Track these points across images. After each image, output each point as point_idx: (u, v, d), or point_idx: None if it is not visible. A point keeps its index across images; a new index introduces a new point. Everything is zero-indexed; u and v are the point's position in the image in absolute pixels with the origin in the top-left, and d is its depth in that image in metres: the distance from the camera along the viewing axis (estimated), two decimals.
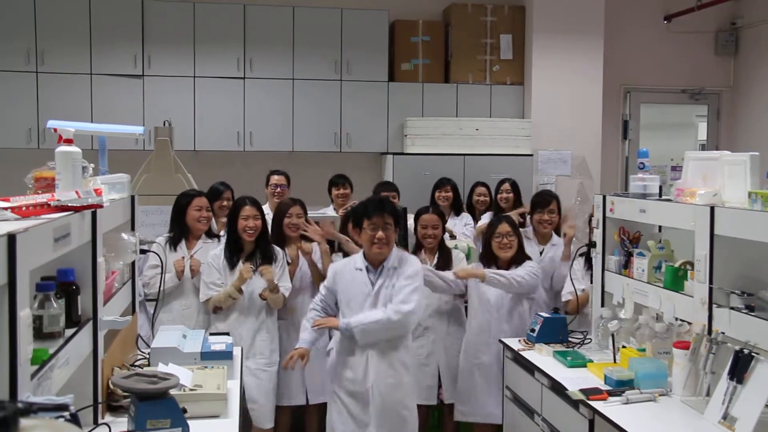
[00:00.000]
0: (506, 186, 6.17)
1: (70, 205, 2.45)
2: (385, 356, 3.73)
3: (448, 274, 4.37)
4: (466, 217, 6.24)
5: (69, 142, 2.76)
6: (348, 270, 3.87)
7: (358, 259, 3.89)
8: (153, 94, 7.04)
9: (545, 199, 4.98)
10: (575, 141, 7.59)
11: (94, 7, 6.91)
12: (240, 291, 4.27)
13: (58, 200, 2.42)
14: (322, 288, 3.97)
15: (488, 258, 4.49)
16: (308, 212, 4.82)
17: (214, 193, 5.38)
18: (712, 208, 3.05)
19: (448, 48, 7.62)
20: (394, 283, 3.75)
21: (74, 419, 2.00)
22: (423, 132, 7.30)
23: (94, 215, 2.64)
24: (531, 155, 7.43)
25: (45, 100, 6.82)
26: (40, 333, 2.24)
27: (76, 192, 2.51)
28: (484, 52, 7.61)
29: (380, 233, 3.74)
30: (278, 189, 5.82)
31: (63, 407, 1.24)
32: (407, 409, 3.79)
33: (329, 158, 7.22)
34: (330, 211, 5.76)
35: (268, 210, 5.20)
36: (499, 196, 6.14)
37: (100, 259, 2.70)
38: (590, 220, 4.62)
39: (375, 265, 3.81)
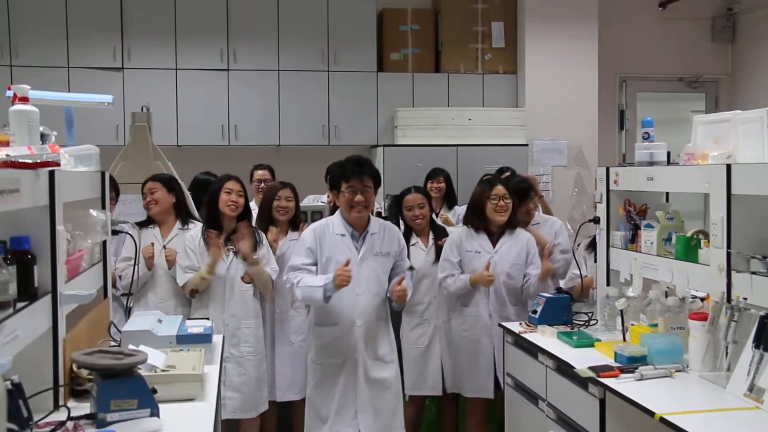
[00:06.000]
0: (507, 175, 5.94)
1: (21, 161, 2.20)
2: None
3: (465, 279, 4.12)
4: (459, 211, 5.98)
5: (24, 100, 2.52)
6: (329, 234, 3.67)
7: (336, 223, 3.69)
8: (133, 87, 6.77)
9: (526, 193, 4.53)
10: (571, 131, 7.37)
11: None
12: (212, 272, 4.03)
13: (6, 155, 2.17)
14: (302, 251, 3.69)
15: (478, 223, 4.19)
16: (301, 202, 4.70)
17: (201, 184, 5.14)
18: (729, 166, 2.83)
19: (439, 37, 7.38)
20: (380, 251, 3.67)
21: (17, 389, 1.75)
22: (414, 123, 7.05)
23: (51, 177, 2.39)
24: (526, 145, 7.20)
25: None
26: None
27: (28, 147, 2.27)
28: (475, 40, 7.38)
29: (359, 196, 3.57)
30: (262, 184, 5.60)
31: None
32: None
33: (318, 152, 6.94)
34: (324, 199, 5.53)
35: (254, 206, 5.07)
36: None
37: (59, 227, 2.44)
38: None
39: (358, 230, 3.66)
